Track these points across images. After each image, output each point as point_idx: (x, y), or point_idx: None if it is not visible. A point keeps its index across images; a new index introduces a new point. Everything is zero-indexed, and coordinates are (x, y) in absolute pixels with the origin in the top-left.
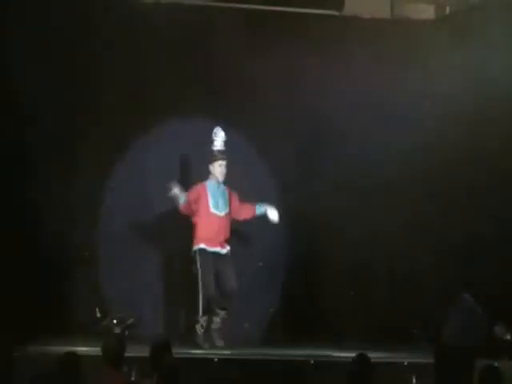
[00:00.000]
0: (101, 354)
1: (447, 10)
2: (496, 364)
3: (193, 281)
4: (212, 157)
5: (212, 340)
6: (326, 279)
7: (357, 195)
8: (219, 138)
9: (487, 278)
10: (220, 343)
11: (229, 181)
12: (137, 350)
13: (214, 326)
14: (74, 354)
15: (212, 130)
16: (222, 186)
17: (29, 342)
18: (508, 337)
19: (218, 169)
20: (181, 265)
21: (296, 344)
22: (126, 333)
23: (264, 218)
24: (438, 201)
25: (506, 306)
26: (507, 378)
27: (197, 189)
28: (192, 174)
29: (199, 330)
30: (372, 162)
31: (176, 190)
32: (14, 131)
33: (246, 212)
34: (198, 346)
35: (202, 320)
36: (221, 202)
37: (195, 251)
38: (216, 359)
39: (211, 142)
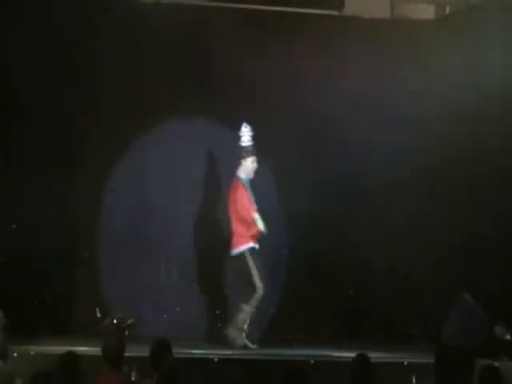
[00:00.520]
0: (101, 353)
1: (447, 9)
2: (496, 364)
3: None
4: (245, 153)
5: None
6: (326, 279)
7: (357, 195)
8: (247, 134)
9: (487, 278)
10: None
11: (229, 180)
12: (137, 350)
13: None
14: (73, 354)
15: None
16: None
17: (29, 342)
18: (508, 337)
19: (251, 165)
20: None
21: (296, 344)
22: (126, 333)
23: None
24: (438, 201)
25: (506, 306)
26: (507, 378)
27: (243, 187)
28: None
29: (246, 329)
30: (372, 162)
31: None
32: (14, 131)
33: None
34: (242, 347)
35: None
36: (252, 198)
37: (246, 250)
38: (216, 359)
39: (239, 138)
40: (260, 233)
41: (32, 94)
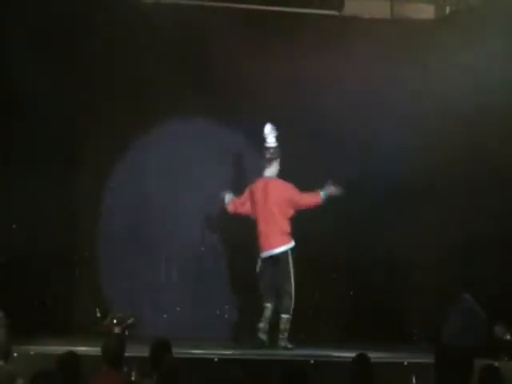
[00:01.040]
0: (101, 353)
1: (447, 10)
2: (496, 364)
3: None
4: (275, 154)
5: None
6: (326, 279)
7: (357, 195)
8: (273, 134)
9: (487, 278)
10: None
11: (230, 180)
12: (137, 350)
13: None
14: (74, 354)
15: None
16: None
17: (29, 342)
18: (508, 337)
19: (278, 167)
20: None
21: (296, 344)
22: (126, 333)
23: None
24: (438, 201)
25: (506, 306)
26: (507, 378)
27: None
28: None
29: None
30: (372, 162)
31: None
32: (14, 131)
33: None
34: (282, 348)
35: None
36: None
37: (289, 250)
38: (216, 359)
39: (264, 139)
40: None
41: (32, 94)
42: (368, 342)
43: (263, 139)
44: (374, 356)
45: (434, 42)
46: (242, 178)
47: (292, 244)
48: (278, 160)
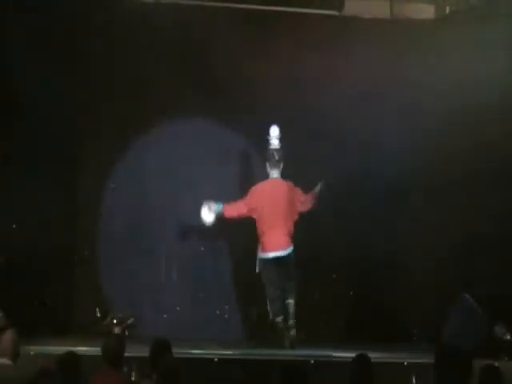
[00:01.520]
0: (101, 354)
1: (447, 9)
2: (496, 364)
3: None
4: (282, 155)
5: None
6: (326, 279)
7: (357, 195)
8: (278, 136)
9: (487, 278)
10: None
11: (230, 180)
12: (137, 350)
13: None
14: (74, 354)
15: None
16: None
17: (29, 342)
18: (508, 337)
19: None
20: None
21: (296, 344)
22: (126, 333)
23: None
24: (438, 201)
25: (506, 306)
26: (507, 378)
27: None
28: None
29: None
30: (372, 162)
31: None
32: (14, 131)
33: None
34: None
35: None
36: None
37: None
38: (216, 359)
39: (267, 141)
40: None
41: (32, 94)
42: (368, 342)
43: (267, 141)
44: (374, 356)
45: (434, 42)
46: (241, 178)
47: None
48: (282, 162)
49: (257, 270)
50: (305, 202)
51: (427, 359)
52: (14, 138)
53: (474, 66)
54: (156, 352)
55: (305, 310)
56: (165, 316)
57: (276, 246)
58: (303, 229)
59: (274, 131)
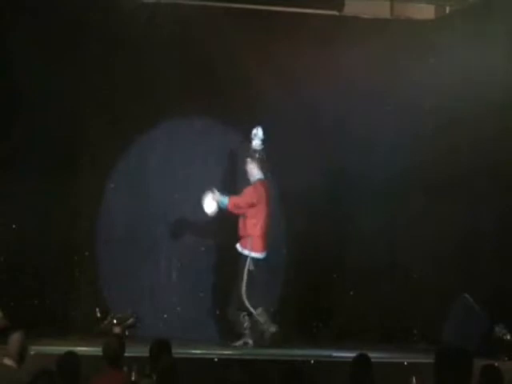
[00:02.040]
0: (101, 353)
1: (447, 9)
2: (496, 364)
3: None
4: (263, 155)
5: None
6: (326, 279)
7: (357, 195)
8: (260, 136)
9: (487, 278)
10: None
11: (229, 180)
12: (137, 350)
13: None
14: (74, 354)
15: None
16: None
17: (29, 342)
18: (508, 337)
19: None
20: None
21: (296, 344)
22: (126, 333)
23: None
24: (438, 200)
25: (506, 306)
26: (507, 378)
27: None
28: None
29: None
30: (372, 162)
31: None
32: (15, 131)
33: None
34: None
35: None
36: None
37: None
38: (216, 359)
39: (250, 141)
40: None
41: (32, 94)
42: (368, 342)
43: (251, 140)
44: (374, 356)
45: (434, 42)
46: (241, 178)
47: None
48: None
49: (250, 268)
50: None
51: (427, 359)
52: (13, 138)
53: (474, 65)
54: (156, 352)
55: (305, 310)
56: (165, 316)
57: (266, 247)
58: (303, 229)
59: (259, 131)
